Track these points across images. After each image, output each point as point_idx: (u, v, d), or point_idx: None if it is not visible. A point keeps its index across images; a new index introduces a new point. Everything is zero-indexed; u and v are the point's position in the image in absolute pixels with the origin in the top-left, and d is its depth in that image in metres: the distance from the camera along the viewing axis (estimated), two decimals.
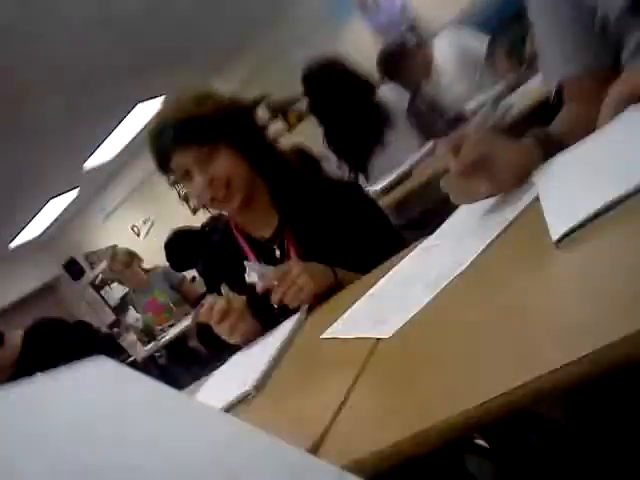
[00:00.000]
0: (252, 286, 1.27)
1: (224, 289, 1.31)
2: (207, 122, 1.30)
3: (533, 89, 2.46)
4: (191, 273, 4.54)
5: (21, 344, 2.63)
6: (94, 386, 0.30)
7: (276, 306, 1.22)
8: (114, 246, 7.89)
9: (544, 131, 0.91)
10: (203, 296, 4.15)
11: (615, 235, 0.53)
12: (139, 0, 3.81)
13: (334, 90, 2.74)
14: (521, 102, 2.37)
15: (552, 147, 0.83)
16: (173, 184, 1.44)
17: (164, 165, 1.35)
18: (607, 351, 0.36)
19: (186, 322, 3.94)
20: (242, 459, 0.25)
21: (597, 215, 0.55)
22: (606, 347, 0.36)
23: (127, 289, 5.02)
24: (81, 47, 3.86)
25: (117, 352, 3.32)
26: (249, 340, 1.26)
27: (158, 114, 1.38)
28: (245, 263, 1.32)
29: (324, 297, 1.21)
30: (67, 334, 2.71)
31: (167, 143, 1.31)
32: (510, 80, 2.93)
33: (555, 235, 0.57)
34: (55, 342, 2.61)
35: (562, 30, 1.02)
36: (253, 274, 1.26)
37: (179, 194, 1.41)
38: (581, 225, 0.56)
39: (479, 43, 3.56)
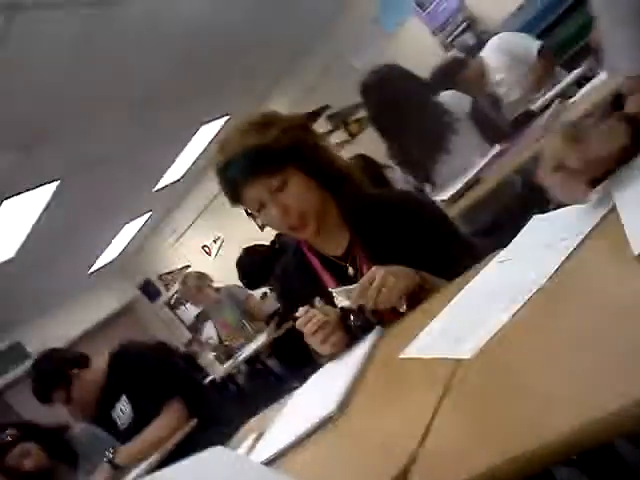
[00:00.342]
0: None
1: (318, 303, 1.32)
2: (273, 151, 1.29)
3: (600, 83, 2.40)
4: (261, 289, 4.60)
5: (107, 367, 2.73)
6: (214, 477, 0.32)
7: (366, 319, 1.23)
8: (187, 266, 8.13)
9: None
10: (273, 315, 4.21)
11: None
12: (199, 19, 3.90)
13: (392, 100, 2.70)
14: (592, 94, 2.31)
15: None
16: (249, 215, 1.44)
17: (236, 199, 1.36)
18: None
19: (262, 339, 3.99)
20: None
21: None
22: None
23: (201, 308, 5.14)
24: (145, 69, 3.98)
25: (197, 371, 3.40)
26: (338, 351, 1.28)
27: (222, 145, 1.35)
28: (330, 289, 1.31)
29: (412, 302, 1.20)
30: (149, 355, 2.80)
31: (236, 178, 1.31)
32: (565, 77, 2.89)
33: (637, 249, 0.56)
34: (138, 364, 2.71)
35: (626, 23, 0.99)
36: (341, 298, 1.27)
37: (246, 211, 1.42)
38: None
39: (529, 44, 3.52)
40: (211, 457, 0.34)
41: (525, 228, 0.95)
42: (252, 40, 4.71)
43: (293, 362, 3.58)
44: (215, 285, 4.80)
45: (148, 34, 3.60)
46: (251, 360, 4.22)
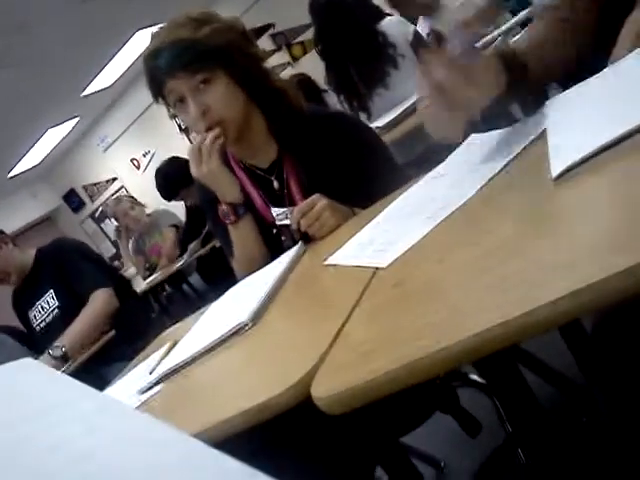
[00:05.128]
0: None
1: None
2: (203, 47, 1.26)
3: None
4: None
5: (34, 259, 2.72)
6: (18, 387, 0.31)
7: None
8: (113, 179, 7.86)
9: (512, 50, 0.87)
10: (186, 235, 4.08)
11: (613, 173, 0.53)
12: None
13: (338, 24, 2.64)
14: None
15: (515, 64, 0.82)
16: (173, 117, 1.42)
17: (157, 90, 1.32)
18: (602, 285, 0.36)
19: (185, 257, 3.95)
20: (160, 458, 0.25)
21: (598, 153, 0.55)
22: (602, 281, 0.36)
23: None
24: None
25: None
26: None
27: (154, 36, 1.32)
28: (272, 210, 1.34)
29: None
30: (81, 245, 2.88)
31: (161, 67, 1.27)
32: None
33: (555, 171, 0.57)
34: (70, 252, 2.71)
35: None
36: (281, 217, 1.31)
37: (179, 127, 1.38)
38: (583, 161, 0.55)
39: None
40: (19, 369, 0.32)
41: (462, 146, 0.96)
42: None
43: (217, 280, 3.57)
44: (147, 210, 4.70)
45: None
46: (174, 279, 4.20)
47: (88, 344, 2.46)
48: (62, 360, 2.39)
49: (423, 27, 2.88)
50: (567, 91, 0.79)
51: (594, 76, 0.76)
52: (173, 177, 3.82)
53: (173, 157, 4.02)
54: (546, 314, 0.38)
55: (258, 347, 0.83)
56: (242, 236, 1.37)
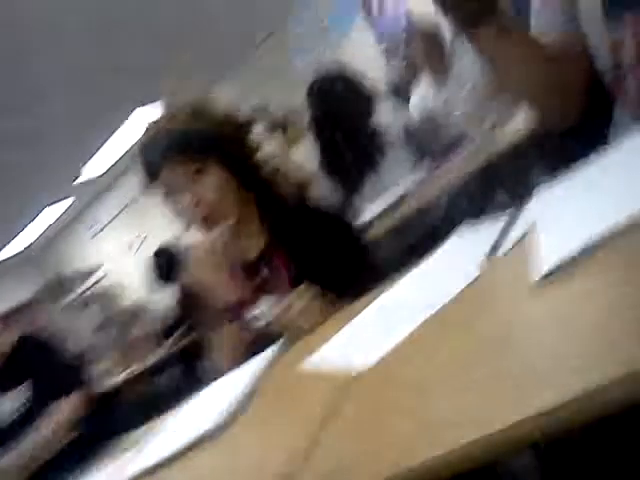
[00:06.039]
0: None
1: None
2: (198, 138, 1.28)
3: None
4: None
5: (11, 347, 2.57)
6: None
7: None
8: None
9: None
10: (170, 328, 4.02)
11: (595, 275, 0.51)
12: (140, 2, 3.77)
13: (334, 112, 2.72)
14: None
15: None
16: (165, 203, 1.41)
17: (152, 177, 1.31)
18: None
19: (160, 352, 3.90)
20: None
21: (586, 253, 0.53)
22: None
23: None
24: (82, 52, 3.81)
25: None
26: None
27: (149, 127, 1.34)
28: (258, 301, 1.30)
29: None
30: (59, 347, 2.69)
31: (157, 155, 1.28)
32: None
33: (542, 270, 0.55)
34: (50, 351, 2.57)
35: None
36: (266, 308, 1.26)
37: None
38: (570, 261, 0.53)
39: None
40: None
41: (451, 239, 0.96)
42: (196, 31, 4.64)
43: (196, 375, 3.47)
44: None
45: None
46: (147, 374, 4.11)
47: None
48: None
49: None
50: (559, 181, 0.77)
51: (592, 159, 0.74)
52: (168, 263, 3.82)
53: (166, 245, 4.05)
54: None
55: (227, 456, 0.77)
56: (229, 339, 1.36)
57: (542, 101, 0.97)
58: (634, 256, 0.49)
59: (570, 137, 1.03)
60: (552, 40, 0.92)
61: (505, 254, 0.72)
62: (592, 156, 0.74)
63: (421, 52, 3.28)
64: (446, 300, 0.68)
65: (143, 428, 1.41)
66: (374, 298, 0.96)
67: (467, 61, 3.23)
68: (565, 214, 0.67)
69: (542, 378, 0.40)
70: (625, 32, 0.85)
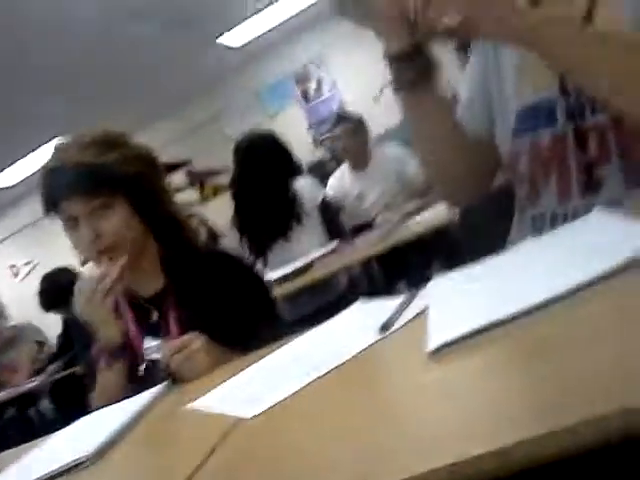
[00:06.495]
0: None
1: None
2: (105, 173, 1.23)
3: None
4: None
5: None
6: None
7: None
8: None
9: None
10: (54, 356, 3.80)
11: (486, 356, 0.55)
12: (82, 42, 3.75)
13: (256, 174, 2.74)
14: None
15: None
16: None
17: (51, 207, 1.27)
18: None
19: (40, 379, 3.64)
20: None
21: (474, 334, 0.57)
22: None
23: None
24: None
25: None
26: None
27: (57, 151, 1.28)
28: (145, 341, 1.27)
29: None
30: None
31: (58, 186, 1.23)
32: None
33: (431, 347, 0.58)
34: None
35: None
36: (150, 351, 1.24)
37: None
38: (458, 340, 0.57)
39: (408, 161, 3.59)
40: None
41: (350, 309, 0.99)
42: (131, 74, 4.62)
43: (69, 406, 3.27)
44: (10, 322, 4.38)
45: None
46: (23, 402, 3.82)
47: None
48: None
49: None
50: (454, 271, 0.83)
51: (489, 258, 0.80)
52: (62, 287, 3.61)
53: (64, 268, 3.84)
54: None
55: None
56: (108, 381, 1.27)
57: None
58: (522, 342, 0.53)
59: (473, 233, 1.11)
60: None
61: (397, 330, 0.74)
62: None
63: (343, 145, 3.46)
64: (338, 362, 0.71)
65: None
66: (269, 352, 0.97)
67: (385, 162, 3.44)
68: (457, 301, 0.72)
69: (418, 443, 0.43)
70: None
